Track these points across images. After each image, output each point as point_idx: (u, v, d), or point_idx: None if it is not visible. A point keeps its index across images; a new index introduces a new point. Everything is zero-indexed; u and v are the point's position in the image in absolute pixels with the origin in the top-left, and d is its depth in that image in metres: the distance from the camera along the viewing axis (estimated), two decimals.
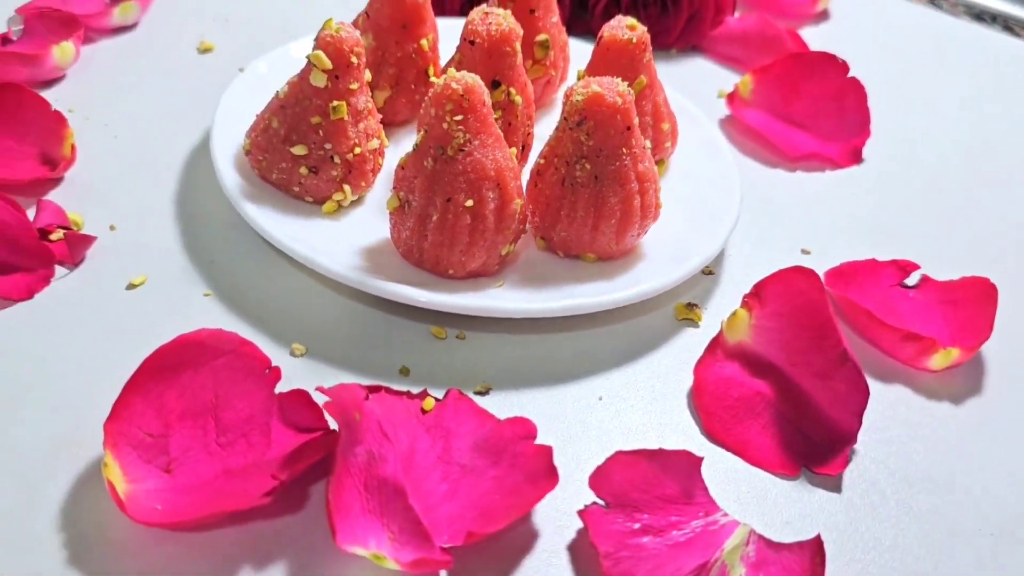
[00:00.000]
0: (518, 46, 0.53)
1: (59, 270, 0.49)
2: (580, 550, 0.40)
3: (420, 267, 0.50)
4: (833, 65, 0.68)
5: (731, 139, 0.66)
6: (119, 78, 0.65)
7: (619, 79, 0.49)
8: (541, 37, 0.60)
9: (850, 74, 0.67)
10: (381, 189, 0.55)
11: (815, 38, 0.78)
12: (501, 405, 0.46)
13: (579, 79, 0.54)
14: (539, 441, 0.41)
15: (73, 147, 0.56)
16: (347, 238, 0.51)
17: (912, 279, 0.54)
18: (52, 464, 0.40)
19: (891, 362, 0.51)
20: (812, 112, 0.67)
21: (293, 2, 0.75)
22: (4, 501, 0.39)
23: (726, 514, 0.40)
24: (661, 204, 0.52)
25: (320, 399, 0.40)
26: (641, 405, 0.47)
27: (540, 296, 0.49)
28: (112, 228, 0.52)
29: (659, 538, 0.39)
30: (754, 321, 0.49)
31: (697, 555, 0.39)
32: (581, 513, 0.40)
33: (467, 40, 0.53)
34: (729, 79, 0.73)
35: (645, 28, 0.56)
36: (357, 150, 0.52)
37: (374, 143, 0.53)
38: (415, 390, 0.43)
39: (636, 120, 0.49)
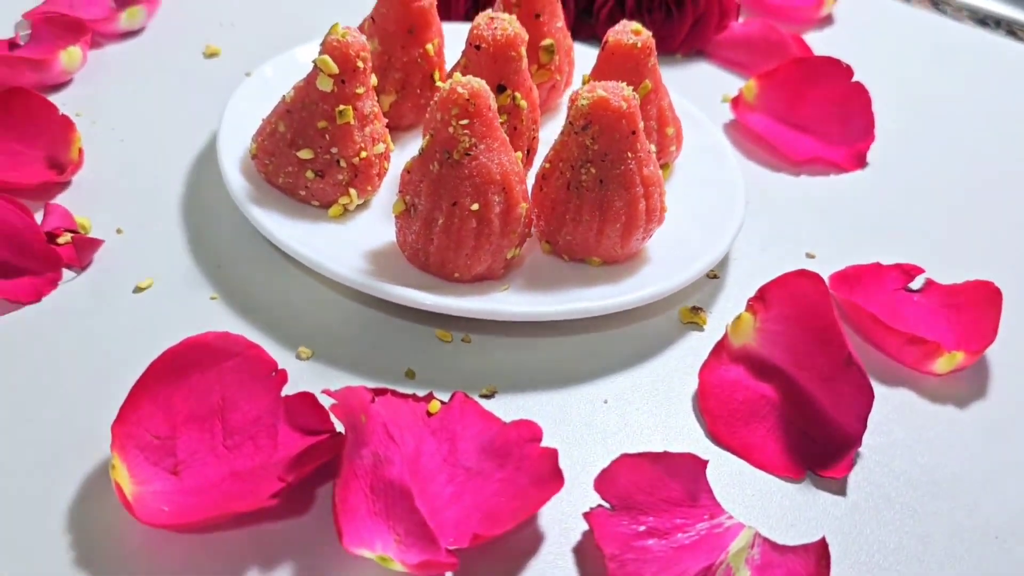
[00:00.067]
0: (523, 51, 0.54)
1: (66, 273, 0.50)
2: (585, 552, 0.40)
3: (426, 271, 0.50)
4: (837, 69, 0.68)
5: (735, 143, 0.66)
6: (126, 82, 0.65)
7: (624, 83, 0.50)
8: (546, 42, 0.60)
9: (854, 78, 0.67)
10: (387, 193, 0.55)
11: (819, 43, 0.78)
12: (506, 408, 0.46)
13: (584, 84, 0.54)
14: (544, 444, 0.41)
15: (80, 151, 0.56)
16: (353, 242, 0.51)
17: (917, 283, 0.54)
18: (60, 466, 0.41)
19: (896, 366, 0.51)
20: (816, 116, 0.68)
21: (299, 7, 0.76)
22: (12, 502, 0.39)
23: (731, 517, 0.41)
24: (666, 208, 0.52)
25: (326, 402, 0.40)
26: (646, 408, 0.47)
27: (545, 299, 0.49)
28: (119, 231, 0.53)
29: (664, 541, 0.40)
30: (759, 324, 0.49)
31: (702, 558, 0.39)
32: (586, 516, 0.40)
33: (473, 45, 0.53)
34: (733, 84, 0.73)
35: (650, 33, 0.56)
36: (363, 154, 0.52)
37: (380, 147, 0.53)
38: (421, 393, 0.43)
39: (641, 124, 0.49)
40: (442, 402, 0.43)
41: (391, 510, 0.38)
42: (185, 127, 0.61)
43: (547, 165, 0.51)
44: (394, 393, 0.42)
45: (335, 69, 0.50)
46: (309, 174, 0.52)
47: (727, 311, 0.53)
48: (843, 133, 0.67)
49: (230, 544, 0.38)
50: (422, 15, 0.57)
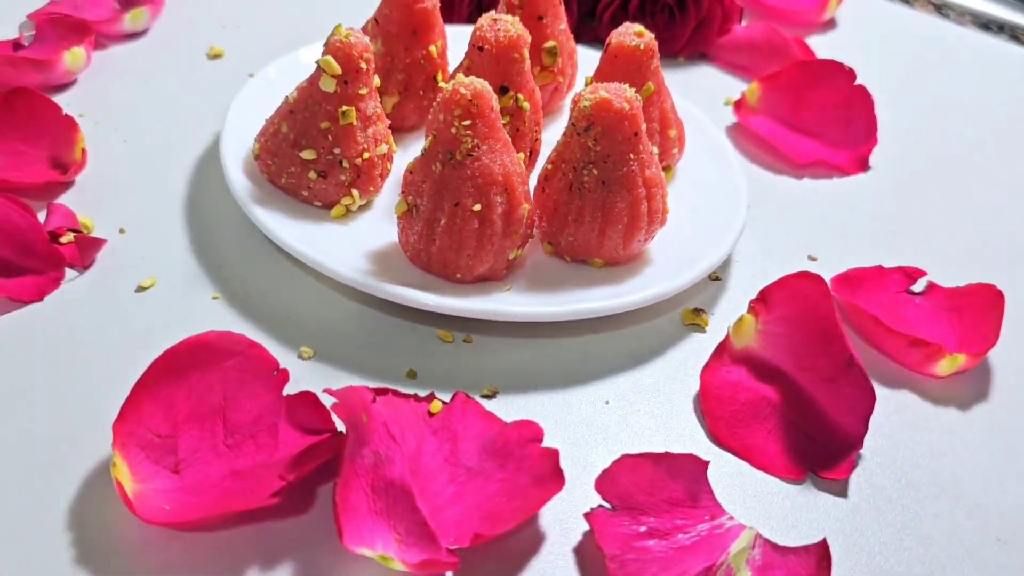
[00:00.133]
0: (526, 52, 0.54)
1: (69, 272, 0.50)
2: (586, 553, 0.40)
3: (428, 271, 0.50)
4: (840, 73, 0.68)
5: (738, 146, 0.67)
6: (130, 83, 0.65)
7: (626, 85, 0.50)
8: (549, 44, 0.60)
9: (857, 82, 0.67)
10: (390, 194, 0.55)
11: (822, 46, 0.78)
12: (508, 408, 0.46)
13: (587, 85, 0.54)
14: (546, 444, 0.41)
15: (84, 151, 0.56)
16: (355, 242, 0.51)
17: (919, 285, 0.54)
18: (61, 464, 0.41)
19: (898, 368, 0.51)
20: (819, 119, 0.68)
21: (303, 9, 0.76)
22: (13, 500, 0.39)
23: (732, 518, 0.41)
24: (668, 209, 0.52)
25: (328, 401, 0.40)
26: (647, 409, 0.47)
27: (547, 300, 0.49)
28: (122, 231, 0.53)
29: (665, 541, 0.39)
30: (760, 326, 0.49)
31: (703, 558, 0.39)
32: (587, 516, 0.40)
33: (475, 46, 0.54)
34: (736, 87, 0.73)
35: (653, 35, 0.56)
36: (366, 155, 0.52)
37: (383, 148, 0.53)
38: (422, 393, 0.43)
39: (643, 126, 0.49)
40: (443, 402, 0.43)
41: (392, 509, 0.38)
42: (188, 128, 0.61)
43: (549, 166, 0.51)
44: (395, 393, 0.42)
45: (338, 70, 0.50)
46: (312, 174, 0.52)
47: (729, 313, 0.53)
48: (845, 136, 0.67)
49: (231, 542, 0.39)
50: (425, 17, 0.57)
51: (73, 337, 0.47)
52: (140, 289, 0.50)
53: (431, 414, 0.42)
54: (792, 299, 0.49)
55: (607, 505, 0.40)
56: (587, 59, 0.65)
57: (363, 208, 0.54)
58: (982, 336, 0.50)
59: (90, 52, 0.65)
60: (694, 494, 0.41)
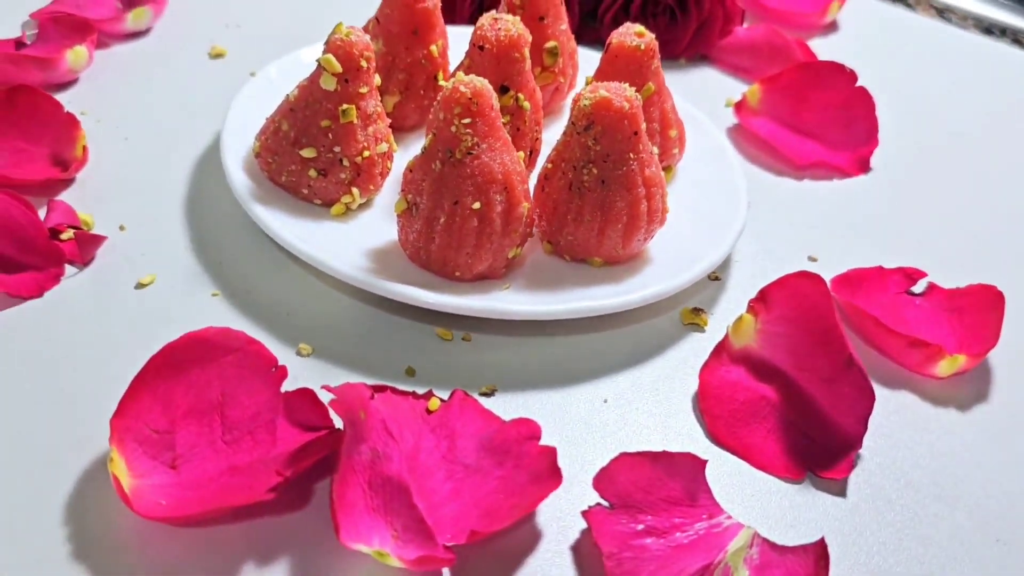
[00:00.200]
0: (527, 52, 0.54)
1: (69, 269, 0.50)
2: (583, 551, 0.40)
3: (427, 269, 0.50)
4: (841, 74, 0.68)
5: (739, 147, 0.66)
6: (132, 82, 0.65)
7: (627, 84, 0.50)
8: (550, 44, 0.60)
9: (858, 84, 0.67)
10: (390, 193, 0.55)
11: (823, 49, 0.78)
12: (506, 407, 0.46)
13: (587, 85, 0.54)
14: (544, 442, 0.41)
15: (85, 149, 0.56)
16: (355, 240, 0.51)
17: (919, 287, 0.54)
18: (58, 459, 0.41)
19: (897, 368, 0.51)
20: (820, 121, 0.67)
21: (306, 9, 0.76)
22: (10, 494, 0.39)
23: (730, 517, 0.40)
24: (668, 209, 0.52)
25: (326, 397, 0.40)
26: (646, 408, 0.47)
27: (546, 299, 0.49)
28: (122, 228, 0.53)
29: (662, 539, 0.39)
30: (760, 325, 0.49)
31: (700, 557, 0.39)
32: (585, 514, 0.40)
33: (476, 45, 0.54)
34: (737, 88, 0.73)
35: (653, 35, 0.56)
36: (366, 153, 0.52)
37: (383, 147, 0.53)
38: (420, 390, 0.43)
39: (643, 125, 0.49)
40: (442, 400, 0.43)
41: (389, 506, 0.38)
42: (189, 127, 0.61)
43: (549, 165, 0.51)
44: (394, 390, 0.42)
45: (339, 68, 0.50)
46: (312, 173, 0.52)
47: (728, 313, 0.53)
48: (846, 138, 0.67)
49: (227, 538, 0.38)
50: (426, 16, 0.57)
51: (72, 333, 0.47)
52: (140, 286, 0.50)
53: (429, 412, 0.42)
54: (792, 299, 0.49)
55: (605, 503, 0.40)
56: (588, 60, 0.65)
57: (363, 206, 0.54)
58: (982, 337, 0.50)
59: (92, 51, 0.65)
60: (692, 493, 0.41)
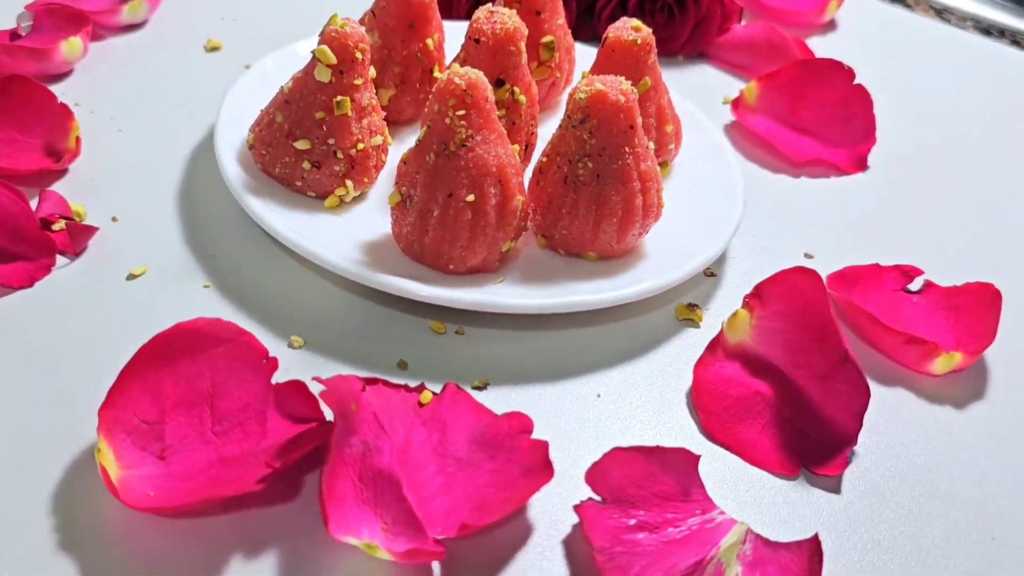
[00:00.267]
0: (523, 45, 0.53)
1: (60, 259, 0.50)
2: (575, 545, 0.40)
3: (421, 262, 0.50)
4: (839, 72, 0.67)
5: (736, 144, 0.66)
6: (126, 74, 0.65)
7: (623, 78, 0.49)
8: (547, 39, 0.60)
9: (856, 82, 0.67)
10: (384, 185, 0.55)
11: (821, 48, 0.78)
12: (499, 400, 0.45)
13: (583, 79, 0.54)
14: (536, 436, 0.41)
15: (78, 140, 0.56)
16: (349, 233, 0.51)
17: (915, 284, 0.54)
18: (46, 449, 0.40)
19: (893, 366, 0.50)
20: (817, 118, 0.67)
21: (301, 3, 0.76)
22: None
23: (723, 512, 0.40)
24: (663, 204, 0.52)
25: (317, 389, 0.40)
26: (640, 403, 0.47)
27: (540, 292, 0.49)
28: (114, 219, 0.53)
29: (655, 534, 0.39)
30: (755, 321, 0.48)
31: (693, 552, 0.39)
32: (577, 508, 0.39)
33: (472, 38, 0.53)
34: (735, 86, 0.73)
35: (650, 30, 0.56)
36: (360, 146, 0.52)
37: (377, 139, 0.53)
38: (413, 383, 0.43)
39: (639, 119, 0.49)
40: (434, 393, 0.43)
41: (379, 498, 0.38)
42: (184, 119, 0.61)
43: (544, 159, 0.51)
44: (386, 383, 0.42)
45: (333, 59, 0.50)
46: (306, 165, 0.52)
47: (724, 309, 0.52)
48: (844, 136, 0.67)
49: (216, 529, 0.38)
50: (422, 10, 0.57)
51: (63, 324, 0.46)
52: (131, 277, 0.49)
53: (421, 405, 0.42)
54: (787, 294, 0.48)
55: (597, 498, 0.40)
56: (585, 56, 0.65)
57: (357, 199, 0.54)
58: (979, 335, 0.50)
59: (87, 42, 0.65)
60: (685, 488, 0.41)
